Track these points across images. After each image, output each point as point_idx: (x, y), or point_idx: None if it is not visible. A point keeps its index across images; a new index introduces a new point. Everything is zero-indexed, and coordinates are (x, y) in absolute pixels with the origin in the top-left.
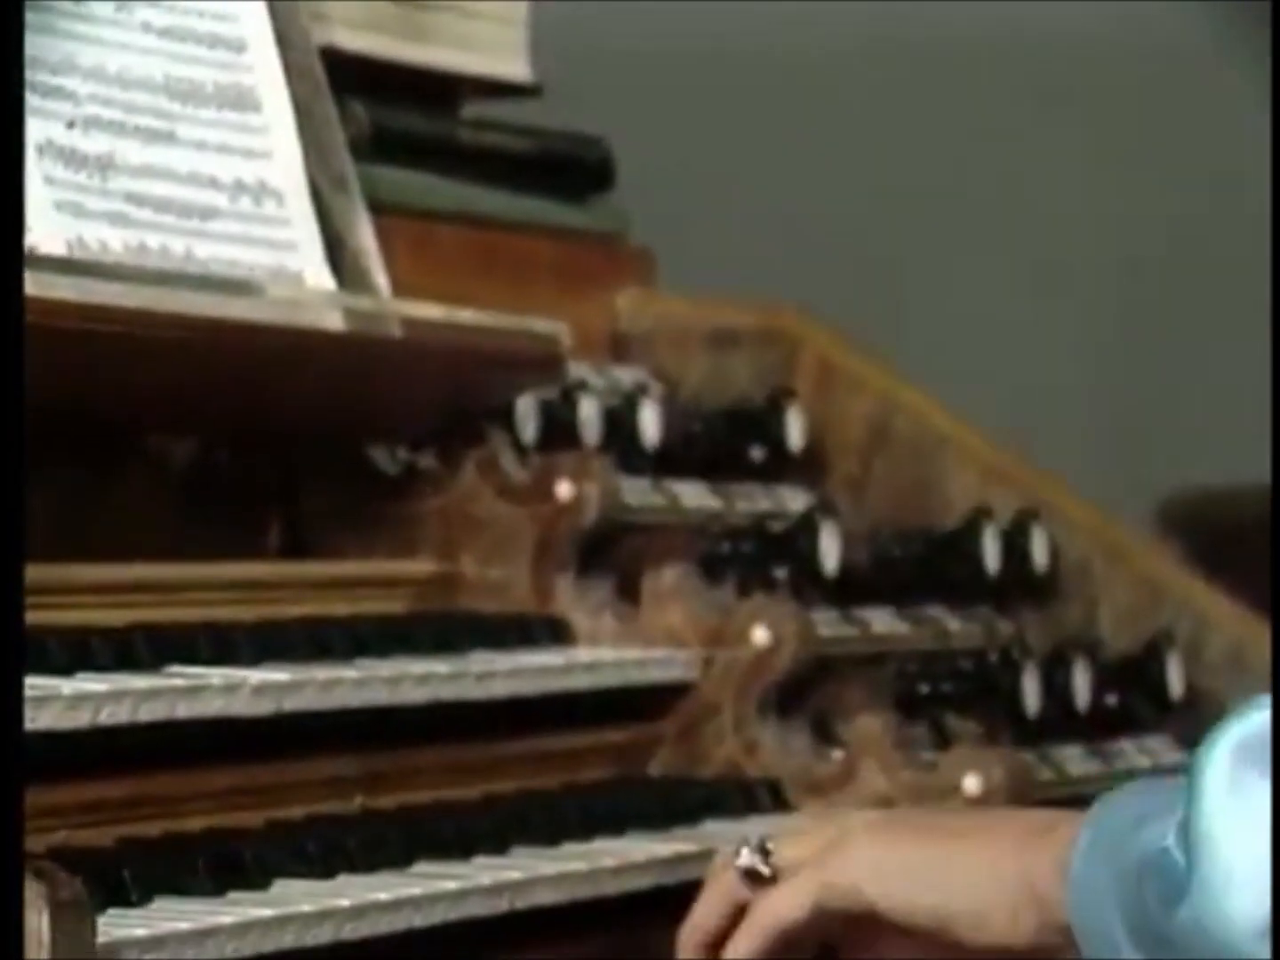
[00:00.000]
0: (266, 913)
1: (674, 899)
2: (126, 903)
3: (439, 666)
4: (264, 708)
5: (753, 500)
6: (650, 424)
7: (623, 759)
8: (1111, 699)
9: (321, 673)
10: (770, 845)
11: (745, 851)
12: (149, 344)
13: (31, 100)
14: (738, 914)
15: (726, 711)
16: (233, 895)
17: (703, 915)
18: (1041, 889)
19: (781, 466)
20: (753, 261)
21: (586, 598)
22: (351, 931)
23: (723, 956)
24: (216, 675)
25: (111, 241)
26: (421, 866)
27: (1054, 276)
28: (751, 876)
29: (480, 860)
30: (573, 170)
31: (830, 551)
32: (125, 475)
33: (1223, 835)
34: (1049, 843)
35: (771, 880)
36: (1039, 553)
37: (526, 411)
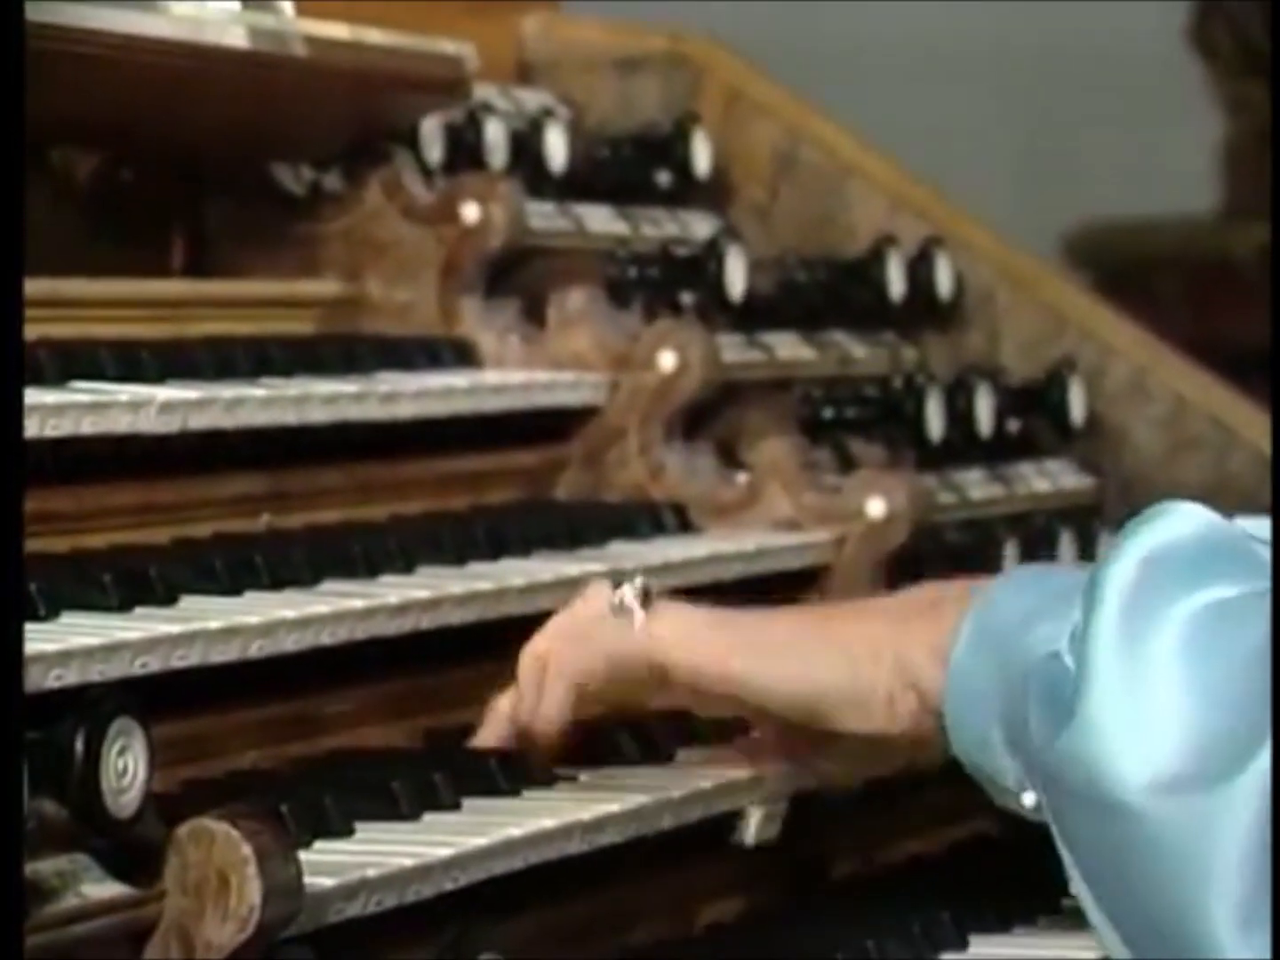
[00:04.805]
0: (174, 629)
1: None
2: (34, 617)
3: (345, 387)
4: (170, 425)
5: (659, 225)
6: (556, 147)
7: (529, 481)
8: (1013, 424)
9: (228, 391)
10: (649, 587)
11: (628, 588)
12: (52, 57)
13: None
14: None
15: (632, 435)
16: (140, 611)
17: (547, 637)
18: (919, 672)
19: (688, 192)
20: None
21: (493, 320)
22: (259, 649)
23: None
24: (123, 392)
25: None
26: (328, 585)
27: (967, 8)
28: (619, 612)
29: (387, 579)
30: None
31: (736, 277)
32: (28, 189)
33: (1115, 673)
34: (929, 623)
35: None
36: (943, 280)
37: (432, 133)
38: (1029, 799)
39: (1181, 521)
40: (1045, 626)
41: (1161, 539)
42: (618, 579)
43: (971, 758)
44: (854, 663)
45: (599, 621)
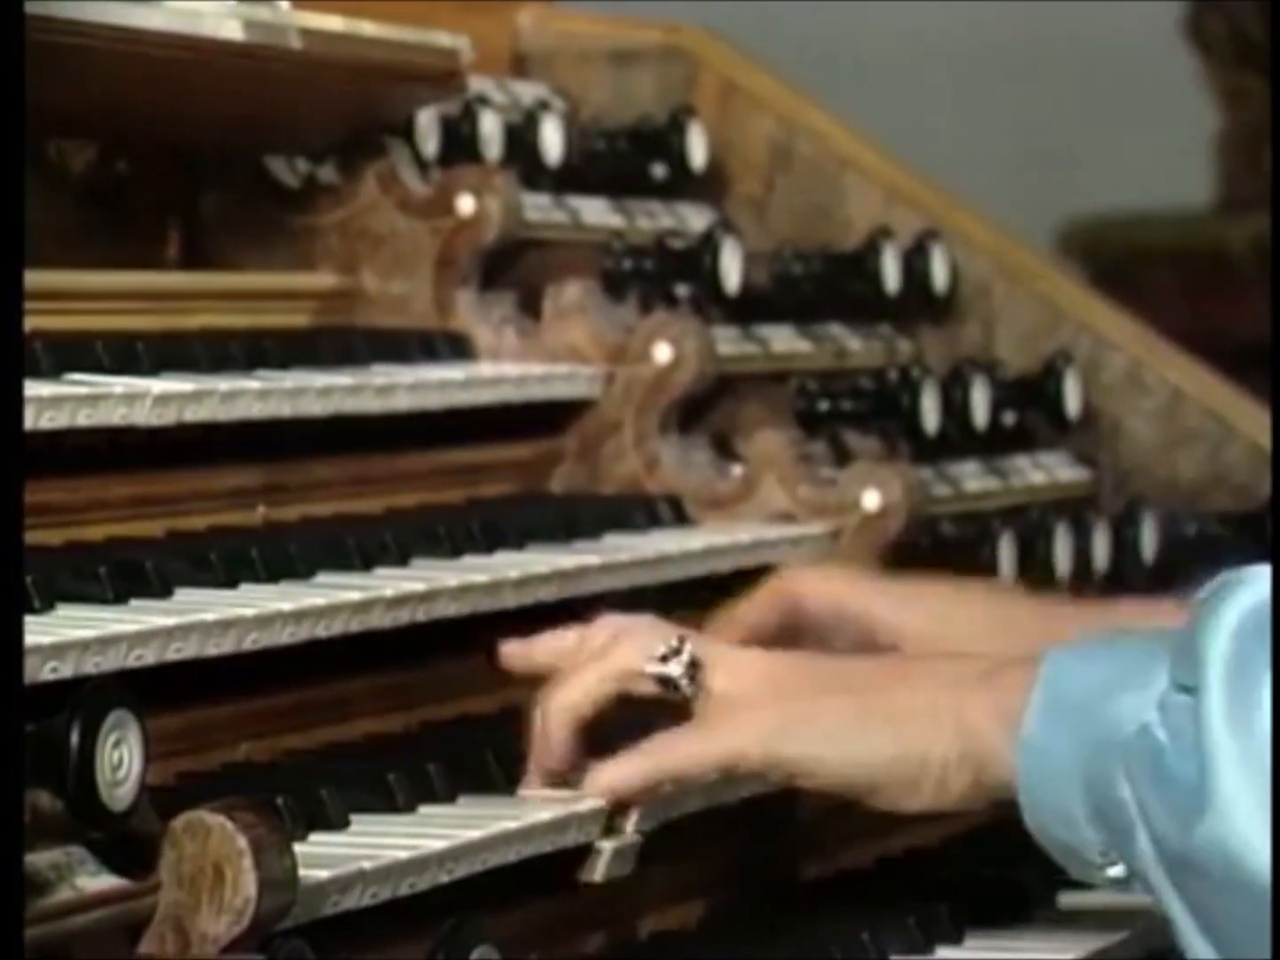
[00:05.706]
0: (169, 621)
1: (576, 612)
2: (30, 609)
3: (341, 379)
4: (166, 418)
5: (654, 218)
6: (552, 140)
7: (524, 474)
8: (1009, 417)
9: (223, 383)
10: (698, 656)
11: (676, 663)
12: (48, 50)
13: None
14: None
15: (627, 428)
16: (135, 604)
17: (584, 695)
18: (981, 742)
19: (683, 184)
20: None
21: (488, 313)
22: (254, 642)
23: (605, 768)
24: (118, 384)
25: None
26: (324, 578)
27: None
28: (666, 685)
29: (382, 572)
30: None
31: (732, 270)
32: (24, 181)
33: (1235, 757)
34: (991, 691)
35: (683, 700)
36: (939, 273)
37: (427, 125)
38: (1116, 871)
39: (1259, 586)
40: (1128, 698)
41: (1247, 607)
42: (662, 648)
43: (1049, 831)
44: (905, 742)
45: (637, 678)
